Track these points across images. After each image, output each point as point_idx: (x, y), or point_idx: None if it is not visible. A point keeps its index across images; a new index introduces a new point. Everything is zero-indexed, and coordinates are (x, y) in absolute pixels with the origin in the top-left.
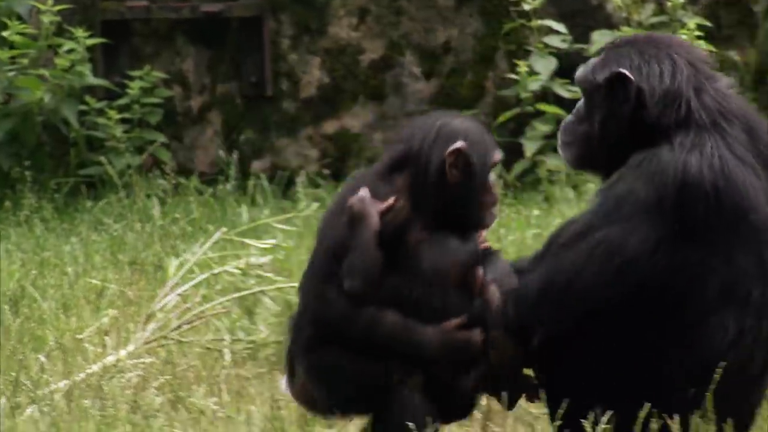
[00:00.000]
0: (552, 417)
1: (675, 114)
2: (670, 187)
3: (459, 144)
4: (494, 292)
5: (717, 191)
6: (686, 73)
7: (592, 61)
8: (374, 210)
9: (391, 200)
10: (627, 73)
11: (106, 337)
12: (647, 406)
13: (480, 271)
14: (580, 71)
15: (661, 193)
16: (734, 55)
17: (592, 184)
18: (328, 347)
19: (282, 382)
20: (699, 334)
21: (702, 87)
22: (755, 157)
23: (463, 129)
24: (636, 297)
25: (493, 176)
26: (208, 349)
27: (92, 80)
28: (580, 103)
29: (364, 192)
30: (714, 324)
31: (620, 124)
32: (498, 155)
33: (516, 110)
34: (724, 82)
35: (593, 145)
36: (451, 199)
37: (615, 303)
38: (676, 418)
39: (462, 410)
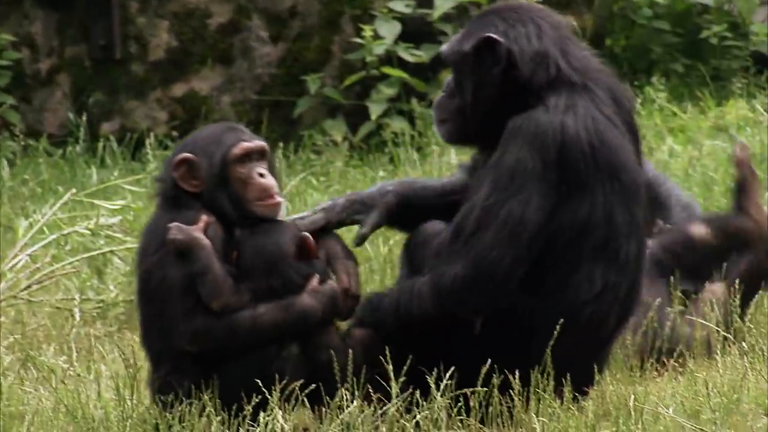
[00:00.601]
0: (395, 375)
1: (546, 74)
2: (551, 149)
3: (179, 156)
4: (333, 245)
5: (593, 150)
6: (551, 36)
7: (456, 35)
8: (197, 232)
9: (203, 218)
10: (495, 36)
11: None
12: (489, 362)
13: (307, 235)
14: (446, 46)
15: (543, 156)
16: (571, 20)
17: (436, 147)
18: (214, 367)
19: None
20: (568, 286)
21: (567, 50)
22: (620, 121)
23: (191, 139)
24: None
25: (255, 169)
26: (58, 308)
27: None
28: (449, 78)
29: (175, 224)
30: (583, 276)
31: (492, 89)
32: (242, 147)
33: (361, 74)
34: (585, 48)
35: (467, 117)
36: (219, 204)
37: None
38: (517, 373)
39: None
